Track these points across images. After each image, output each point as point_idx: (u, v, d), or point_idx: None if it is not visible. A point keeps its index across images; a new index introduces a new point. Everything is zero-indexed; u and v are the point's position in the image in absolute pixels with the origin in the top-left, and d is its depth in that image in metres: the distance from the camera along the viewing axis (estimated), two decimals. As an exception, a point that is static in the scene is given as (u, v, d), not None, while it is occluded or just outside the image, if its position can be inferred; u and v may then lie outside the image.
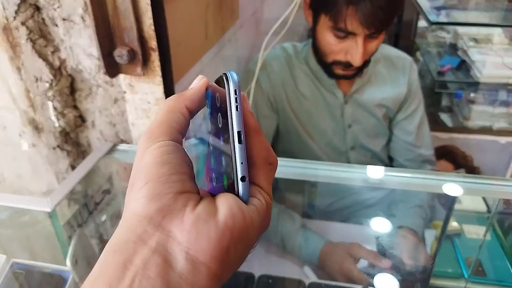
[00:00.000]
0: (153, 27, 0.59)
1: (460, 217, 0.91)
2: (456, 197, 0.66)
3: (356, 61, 0.91)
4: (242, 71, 1.15)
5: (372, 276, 0.81)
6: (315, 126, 1.08)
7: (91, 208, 0.69)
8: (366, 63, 0.97)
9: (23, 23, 0.65)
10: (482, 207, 0.94)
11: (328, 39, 0.92)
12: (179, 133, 0.28)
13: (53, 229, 0.63)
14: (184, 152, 0.27)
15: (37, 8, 0.65)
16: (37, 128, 0.76)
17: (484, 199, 0.93)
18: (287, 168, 0.70)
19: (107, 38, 0.58)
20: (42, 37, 0.67)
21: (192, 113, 0.29)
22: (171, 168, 0.25)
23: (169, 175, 0.25)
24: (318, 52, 0.99)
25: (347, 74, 0.99)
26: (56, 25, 0.66)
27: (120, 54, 0.57)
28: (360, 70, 0.99)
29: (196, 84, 0.30)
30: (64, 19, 0.65)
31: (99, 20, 0.55)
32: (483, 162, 1.60)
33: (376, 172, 0.69)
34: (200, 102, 0.29)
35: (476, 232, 0.88)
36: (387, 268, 0.83)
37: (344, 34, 0.88)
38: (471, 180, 0.68)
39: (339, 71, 0.98)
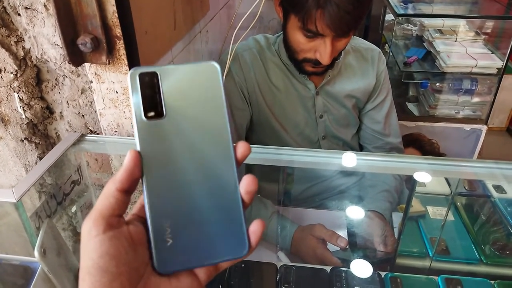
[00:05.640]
0: (116, 15, 0.59)
1: (425, 199, 0.94)
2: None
3: (324, 60, 0.92)
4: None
5: (347, 261, 0.83)
6: (288, 117, 1.09)
7: (60, 199, 0.69)
8: (335, 58, 0.99)
9: (-17, 12, 0.64)
10: (446, 190, 0.98)
11: (297, 38, 0.93)
12: (113, 216, 0.31)
13: (20, 221, 0.63)
14: (115, 240, 0.30)
15: (-2, -3, 0.64)
16: (3, 120, 0.75)
17: (447, 181, 0.97)
18: (263, 154, 0.71)
19: (70, 25, 0.57)
20: (4, 26, 0.66)
21: (127, 190, 0.31)
22: (110, 277, 0.29)
23: (110, 283, 0.29)
24: (289, 49, 1.01)
25: (316, 71, 1.00)
26: (19, 14, 0.65)
27: (83, 42, 0.57)
28: (329, 67, 1.01)
29: (125, 161, 0.31)
30: (26, 8, 0.64)
31: (61, 7, 0.55)
32: (449, 148, 1.65)
33: (348, 158, 0.71)
34: (131, 178, 0.31)
35: (440, 213, 0.92)
36: (344, 246, 0.86)
37: (312, 34, 0.90)
38: (434, 162, 0.71)
39: (309, 68, 1.00)
